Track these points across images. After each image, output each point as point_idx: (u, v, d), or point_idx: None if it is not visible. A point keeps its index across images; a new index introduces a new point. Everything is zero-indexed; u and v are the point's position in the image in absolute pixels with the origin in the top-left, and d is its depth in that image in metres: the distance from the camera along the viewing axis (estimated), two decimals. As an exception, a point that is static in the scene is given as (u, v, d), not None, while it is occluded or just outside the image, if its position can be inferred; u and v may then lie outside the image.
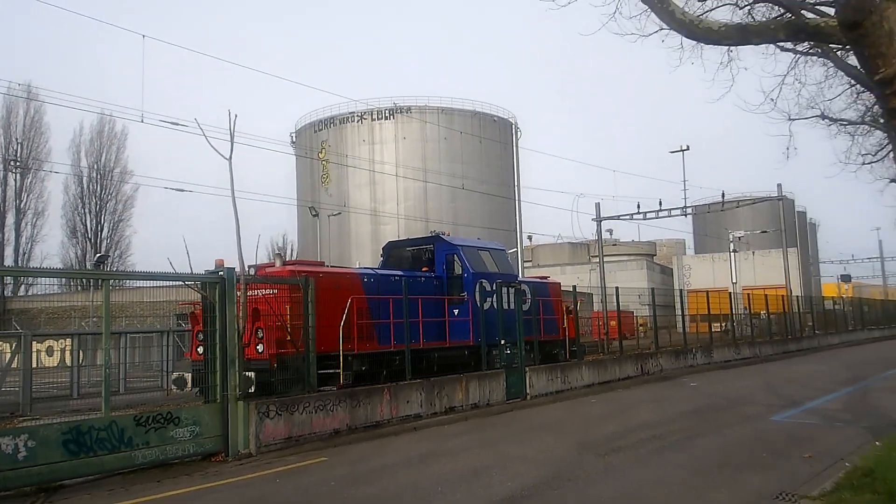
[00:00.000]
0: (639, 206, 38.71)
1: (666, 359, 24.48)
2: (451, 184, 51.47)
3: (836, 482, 7.65)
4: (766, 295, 35.29)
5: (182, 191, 31.28)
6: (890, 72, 6.55)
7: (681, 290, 32.82)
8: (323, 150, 58.10)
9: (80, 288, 43.44)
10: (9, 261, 53.56)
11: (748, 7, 12.02)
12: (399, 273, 17.07)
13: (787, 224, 42.26)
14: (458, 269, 18.00)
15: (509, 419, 15.21)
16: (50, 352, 19.70)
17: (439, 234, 19.01)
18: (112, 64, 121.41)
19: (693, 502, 7.95)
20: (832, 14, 8.09)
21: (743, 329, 32.68)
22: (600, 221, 40.61)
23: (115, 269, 54.58)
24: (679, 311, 29.00)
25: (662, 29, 9.66)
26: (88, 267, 51.33)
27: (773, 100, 13.74)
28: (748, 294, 35.67)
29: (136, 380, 20.43)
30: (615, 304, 23.88)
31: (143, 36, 23.22)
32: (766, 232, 53.76)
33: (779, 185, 39.19)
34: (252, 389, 12.05)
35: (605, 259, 43.27)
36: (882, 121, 11.95)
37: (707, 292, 30.72)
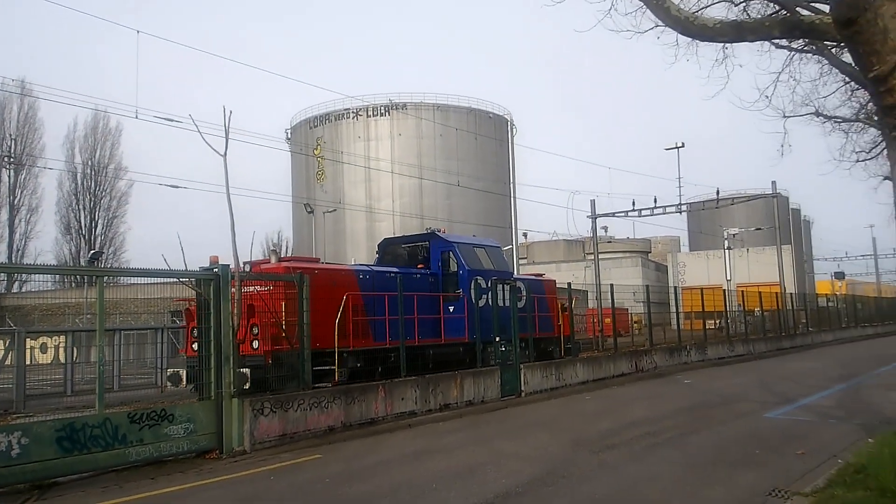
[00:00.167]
0: (634, 204, 38.74)
1: (660, 356, 24.53)
2: (447, 181, 51.47)
3: (829, 479, 7.68)
4: (760, 292, 35.38)
5: (177, 187, 31.26)
6: (884, 69, 6.56)
7: (675, 288, 32.97)
8: (318, 147, 58.01)
9: (73, 284, 43.38)
10: (2, 257, 53.33)
11: (743, 4, 12.04)
12: (394, 270, 17.06)
13: (781, 221, 42.35)
14: (453, 266, 17.99)
15: (504, 416, 15.22)
16: (44, 349, 19.65)
17: (435, 231, 18.99)
18: (106, 60, 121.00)
19: (687, 499, 7.96)
20: (827, 11, 8.09)
21: (737, 326, 32.77)
22: (595, 219, 40.64)
23: (109, 265, 54.44)
24: (673, 309, 29.12)
25: (658, 26, 9.68)
26: (82, 263, 51.17)
27: (767, 97, 13.77)
28: (742, 291, 35.79)
29: (131, 377, 20.37)
30: (610, 301, 23.90)
31: (138, 32, 23.07)
32: (760, 229, 53.87)
33: (773, 183, 39.29)
34: (247, 386, 12.04)
35: (600, 256, 43.31)
36: (876, 118, 11.98)
37: (701, 289, 30.79)
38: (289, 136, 61.56)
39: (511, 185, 44.10)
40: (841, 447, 9.88)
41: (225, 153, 12.55)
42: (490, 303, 17.81)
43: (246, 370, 12.15)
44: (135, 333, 21.79)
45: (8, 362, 17.15)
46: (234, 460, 10.94)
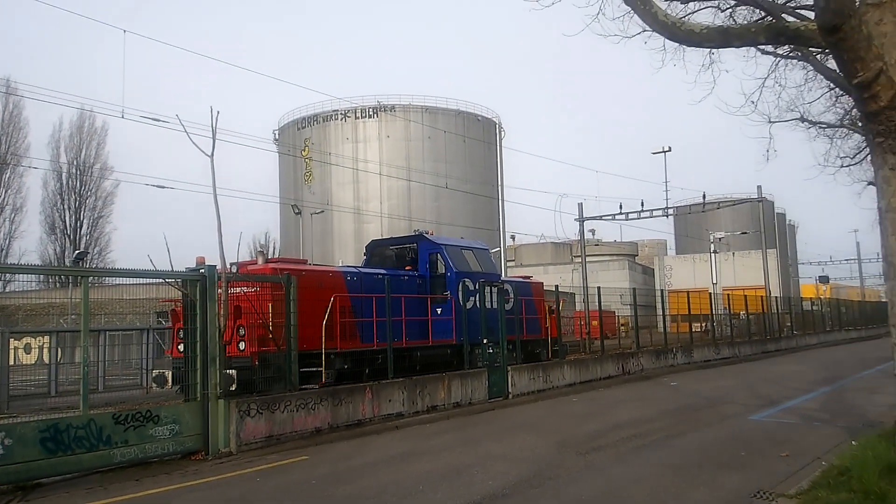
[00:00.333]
0: (621, 207, 38.94)
1: (647, 358, 24.64)
2: (435, 183, 51.44)
3: (813, 481, 7.74)
4: (745, 295, 35.62)
5: (163, 188, 30.90)
6: (868, 75, 6.64)
7: (662, 291, 33.06)
8: (306, 148, 57.85)
9: (58, 285, 43.02)
10: (-14, 257, 52.83)
11: (730, 10, 12.14)
12: (382, 272, 17.05)
13: (766, 226, 42.71)
14: (441, 268, 18.00)
15: (491, 418, 15.24)
16: (28, 349, 19.50)
17: (423, 233, 19.00)
18: (93, 59, 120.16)
19: (672, 500, 8.00)
20: (812, 18, 8.18)
21: (723, 329, 32.97)
22: (583, 222, 40.79)
23: (94, 265, 54.03)
24: (660, 311, 29.21)
25: (645, 31, 9.75)
26: (67, 264, 50.76)
27: (753, 102, 13.90)
28: (728, 294, 35.99)
29: (116, 378, 20.24)
30: (597, 303, 23.98)
31: (125, 31, 22.95)
32: (745, 233, 54.27)
33: (759, 187, 39.57)
34: (233, 387, 11.99)
35: (588, 259, 43.45)
36: (860, 124, 12.11)
37: (688, 293, 30.99)
38: (276, 136, 61.35)
39: (499, 188, 44.16)
40: (825, 449, 9.96)
41: (212, 154, 12.49)
42: (478, 305, 17.83)
43: (232, 371, 12.11)
44: (120, 334, 21.66)
45: (-9, 363, 16.96)
46: (220, 462, 10.90)
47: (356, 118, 56.84)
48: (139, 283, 17.18)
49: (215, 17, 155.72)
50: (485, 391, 16.98)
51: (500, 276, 23.16)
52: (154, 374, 14.11)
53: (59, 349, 19.14)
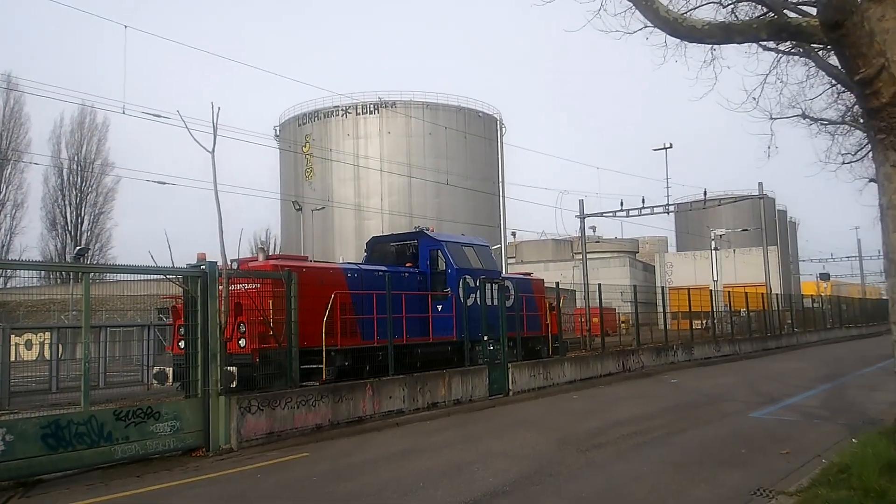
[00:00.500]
0: (622, 204, 38.90)
1: (647, 355, 24.64)
2: (436, 179, 51.44)
3: (813, 478, 7.73)
4: (746, 293, 35.60)
5: (164, 184, 30.99)
6: (870, 72, 6.62)
7: (662, 288, 33.06)
8: (307, 144, 57.84)
9: (59, 281, 43.03)
10: (-13, 253, 52.84)
11: (731, 6, 12.10)
12: (383, 268, 17.04)
13: (767, 222, 42.65)
14: (441, 265, 17.99)
15: (492, 415, 15.24)
16: (29, 345, 19.51)
17: (423, 230, 18.98)
18: (94, 55, 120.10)
19: (672, 498, 8.00)
20: (814, 14, 8.16)
21: (723, 326, 32.96)
22: (584, 218, 40.77)
23: (95, 262, 54.04)
24: (661, 309, 29.20)
25: (647, 26, 9.72)
26: (68, 260, 50.77)
27: (755, 99, 13.87)
28: (729, 292, 36.00)
29: (117, 374, 20.25)
30: (598, 300, 23.97)
31: (125, 27, 22.93)
32: (746, 230, 54.23)
33: (760, 184, 39.53)
34: (234, 384, 11.99)
35: (588, 256, 43.47)
36: (862, 120, 12.09)
37: (688, 290, 30.95)
38: (277, 133, 61.34)
39: (500, 185, 44.13)
40: (825, 447, 9.96)
41: (213, 150, 12.49)
42: (478, 302, 17.82)
43: (233, 368, 12.10)
44: (121, 330, 21.68)
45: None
46: (220, 458, 10.90)
47: (357, 114, 56.82)
48: (140, 280, 17.24)
49: (215, 17, 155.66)
50: (485, 388, 16.98)
51: (501, 272, 23.15)
52: (155, 371, 14.11)
53: (60, 345, 19.15)
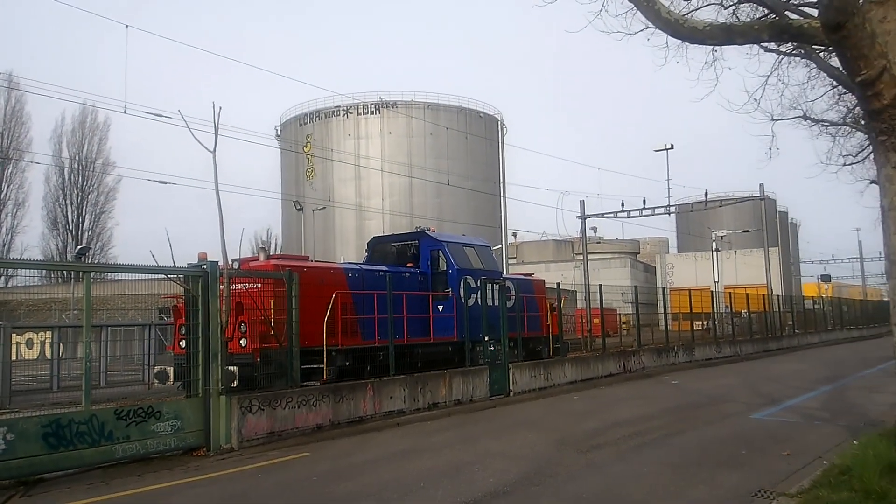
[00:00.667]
0: (623, 205, 38.89)
1: (648, 356, 24.63)
2: (437, 179, 51.42)
3: (814, 480, 7.73)
4: (747, 294, 35.59)
5: (165, 183, 30.94)
6: (872, 73, 6.62)
7: (663, 289, 33.08)
8: (308, 144, 57.84)
9: (60, 280, 43.03)
10: (-12, 252, 52.84)
11: (733, 7, 12.11)
12: (384, 268, 17.05)
13: (768, 224, 42.62)
14: (442, 265, 18.00)
15: (492, 415, 15.25)
16: (30, 344, 19.52)
17: (424, 230, 18.98)
18: (95, 54, 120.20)
19: (672, 499, 8.00)
20: (815, 15, 8.16)
21: (724, 327, 32.95)
22: (585, 219, 40.77)
23: (96, 261, 54.04)
24: (662, 310, 29.21)
25: (648, 27, 9.72)
26: (69, 259, 50.79)
27: (756, 100, 13.88)
28: (730, 293, 36.00)
29: (118, 373, 20.27)
30: (598, 301, 23.98)
31: (127, 26, 22.94)
32: (747, 231, 54.20)
33: (761, 185, 39.50)
34: (235, 384, 11.99)
35: (589, 257, 43.46)
36: (863, 122, 12.09)
37: (689, 291, 30.94)
38: (278, 133, 61.34)
39: (501, 185, 44.10)
40: (826, 448, 9.96)
41: (214, 149, 12.50)
42: (479, 302, 17.83)
43: (234, 368, 12.11)
44: (122, 330, 21.68)
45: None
46: (221, 458, 10.91)
47: (358, 114, 56.83)
48: (141, 279, 17.27)
49: (216, 17, 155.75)
50: (486, 389, 16.99)
51: (502, 273, 23.15)
52: (156, 370, 14.13)
53: (61, 345, 19.15)
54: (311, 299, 13.66)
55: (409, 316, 16.20)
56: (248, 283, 13.50)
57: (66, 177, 58.90)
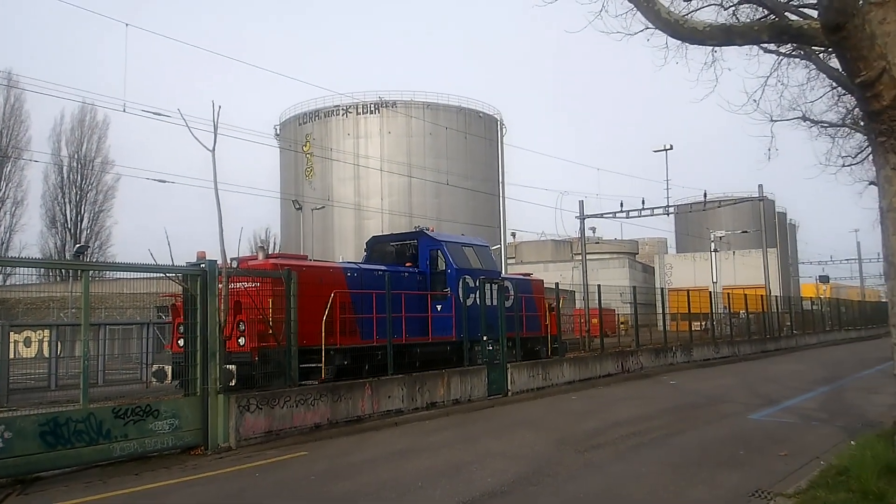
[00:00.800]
0: (622, 205, 38.87)
1: (646, 357, 24.64)
2: (436, 179, 51.42)
3: (811, 480, 7.74)
4: (745, 294, 35.62)
5: (164, 182, 31.04)
6: (871, 74, 6.62)
7: (662, 289, 33.07)
8: (307, 144, 57.82)
9: (59, 278, 42.97)
10: (-14, 250, 52.80)
11: (732, 8, 12.12)
12: (382, 268, 17.04)
13: (767, 225, 42.67)
14: (441, 265, 18.00)
15: (490, 415, 15.25)
16: (28, 342, 19.53)
17: (423, 230, 18.98)
18: (94, 53, 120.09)
19: (671, 499, 8.00)
20: (815, 16, 8.16)
21: (722, 328, 32.97)
22: (583, 219, 40.76)
23: (94, 259, 54.03)
24: (660, 310, 29.22)
25: (648, 28, 9.74)
26: (68, 257, 50.73)
27: (755, 101, 13.89)
28: (728, 293, 36.00)
29: (115, 372, 20.25)
30: (597, 301, 23.98)
31: (126, 25, 22.93)
32: (746, 232, 54.26)
33: (760, 186, 39.53)
34: (233, 382, 11.99)
35: (588, 257, 43.45)
36: (862, 123, 12.09)
37: (688, 291, 30.97)
38: (278, 132, 61.31)
39: (500, 185, 44.12)
40: (823, 449, 9.97)
41: (213, 148, 12.49)
42: (478, 302, 17.82)
43: (232, 366, 12.11)
44: (120, 328, 21.67)
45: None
46: (219, 457, 10.90)
47: (357, 114, 56.82)
48: (140, 278, 17.26)
49: (216, 16, 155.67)
50: (484, 388, 16.99)
51: (501, 273, 23.16)
52: (154, 369, 14.12)
53: (59, 343, 19.16)
54: (309, 298, 13.64)
55: (408, 315, 16.20)
56: (247, 282, 13.49)
57: (65, 175, 58.98)
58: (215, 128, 12.53)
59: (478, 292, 17.95)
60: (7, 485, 9.10)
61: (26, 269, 12.29)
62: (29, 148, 55.51)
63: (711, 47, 11.49)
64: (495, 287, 18.47)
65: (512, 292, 19.50)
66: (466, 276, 18.01)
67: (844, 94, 14.66)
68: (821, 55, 11.55)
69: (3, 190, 55.24)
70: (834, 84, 13.74)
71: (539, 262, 67.75)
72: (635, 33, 10.71)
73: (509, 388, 17.71)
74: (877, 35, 6.70)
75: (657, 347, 25.91)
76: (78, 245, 50.15)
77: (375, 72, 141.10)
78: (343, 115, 57.09)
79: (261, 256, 15.06)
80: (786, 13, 9.53)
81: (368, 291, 15.46)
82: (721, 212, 52.67)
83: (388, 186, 54.61)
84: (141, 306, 25.40)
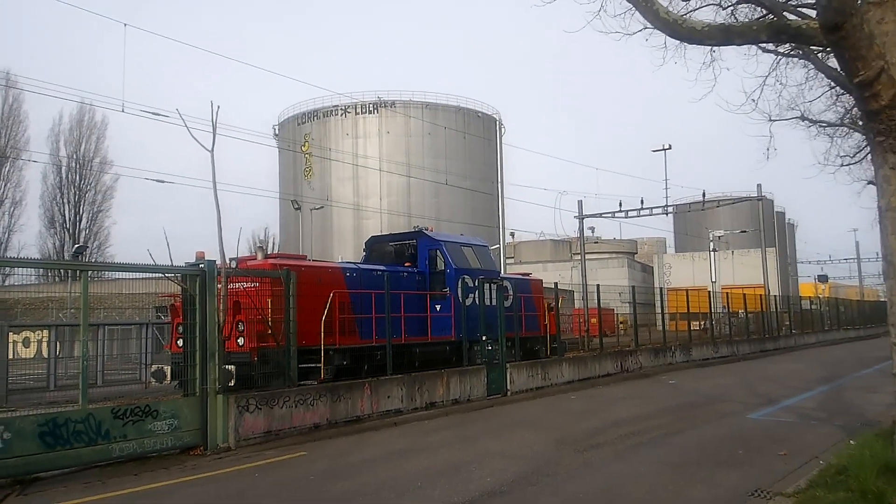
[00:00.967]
0: (621, 205, 38.91)
1: (645, 356, 24.65)
2: (435, 179, 51.43)
3: (811, 480, 7.74)
4: (744, 294, 35.62)
5: (163, 182, 31.04)
6: (870, 74, 6.63)
7: (661, 289, 33.09)
8: (306, 143, 57.79)
9: (57, 279, 42.95)
10: (-15, 250, 52.77)
11: (731, 8, 12.11)
12: (381, 268, 17.04)
13: (766, 224, 42.71)
14: (440, 265, 18.00)
15: (489, 415, 15.25)
16: (27, 343, 19.52)
17: (422, 230, 18.99)
18: (93, 53, 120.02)
19: (670, 498, 8.01)
20: (814, 16, 8.17)
21: (721, 328, 32.98)
22: (582, 219, 40.80)
23: (93, 260, 53.98)
24: (659, 310, 29.23)
25: (646, 28, 9.74)
26: (66, 257, 50.70)
27: (754, 100, 13.88)
28: (727, 293, 36.01)
29: (114, 372, 20.24)
30: (596, 301, 23.98)
31: (125, 25, 22.92)
32: (745, 232, 54.30)
33: (758, 186, 39.54)
34: (232, 383, 11.98)
35: (587, 257, 43.49)
36: (861, 123, 12.10)
37: (687, 291, 30.97)
38: (277, 132, 61.29)
39: (499, 185, 44.15)
40: (822, 448, 9.98)
41: (212, 148, 12.50)
42: (477, 302, 17.82)
43: (231, 367, 12.10)
44: (119, 329, 21.66)
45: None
46: (218, 457, 10.90)
47: (356, 114, 56.79)
48: (138, 278, 17.25)
49: (216, 16, 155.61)
50: (483, 388, 16.99)
51: (500, 273, 23.16)
52: (153, 369, 14.10)
53: (58, 343, 19.14)
54: (308, 298, 13.64)
55: (407, 315, 16.21)
56: (246, 283, 13.49)
57: (64, 175, 58.93)
58: (214, 128, 12.56)
59: (477, 292, 17.95)
60: (6, 485, 9.09)
61: (25, 269, 12.30)
62: (27, 148, 55.55)
63: (710, 47, 11.48)
64: (494, 287, 18.48)
65: (511, 292, 19.51)
66: (465, 276, 18.01)
67: (843, 94, 14.65)
68: (819, 55, 11.55)
69: (2, 190, 55.24)
70: (832, 84, 13.74)
71: (538, 262, 67.75)
72: (634, 33, 10.72)
73: (508, 387, 17.71)
74: (875, 35, 6.71)
75: (656, 347, 25.92)
76: (77, 245, 50.10)
77: (375, 72, 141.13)
78: (342, 115, 57.07)
79: (260, 256, 15.06)
80: (784, 13, 9.53)
81: (367, 291, 15.46)
82: (720, 211, 52.74)
83: (387, 186, 54.60)
84: (140, 306, 25.36)
